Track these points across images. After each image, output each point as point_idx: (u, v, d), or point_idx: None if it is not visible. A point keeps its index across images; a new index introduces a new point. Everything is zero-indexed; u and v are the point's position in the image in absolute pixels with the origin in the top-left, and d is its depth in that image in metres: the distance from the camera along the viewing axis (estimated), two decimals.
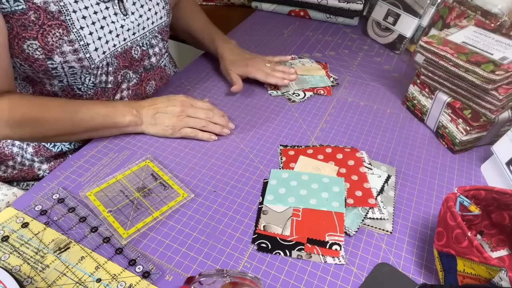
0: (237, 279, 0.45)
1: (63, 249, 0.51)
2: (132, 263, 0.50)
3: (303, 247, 0.52)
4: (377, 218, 0.57)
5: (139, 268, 0.50)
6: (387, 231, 0.55)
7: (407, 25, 0.95)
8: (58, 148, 0.72)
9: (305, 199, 0.58)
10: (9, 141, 0.72)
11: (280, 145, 0.69)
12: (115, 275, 0.49)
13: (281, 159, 0.66)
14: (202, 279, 0.45)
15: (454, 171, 0.67)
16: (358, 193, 0.60)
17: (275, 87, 0.83)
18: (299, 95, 0.82)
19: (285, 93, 0.82)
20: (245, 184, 0.62)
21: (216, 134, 0.70)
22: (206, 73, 0.89)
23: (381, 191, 0.61)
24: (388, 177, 0.63)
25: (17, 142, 0.72)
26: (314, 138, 0.72)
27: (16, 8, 0.55)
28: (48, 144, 0.71)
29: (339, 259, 0.52)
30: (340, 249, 0.52)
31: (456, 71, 0.65)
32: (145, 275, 0.49)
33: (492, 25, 0.72)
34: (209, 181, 0.63)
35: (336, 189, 0.60)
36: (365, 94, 0.84)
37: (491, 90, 0.61)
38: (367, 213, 0.57)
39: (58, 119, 0.62)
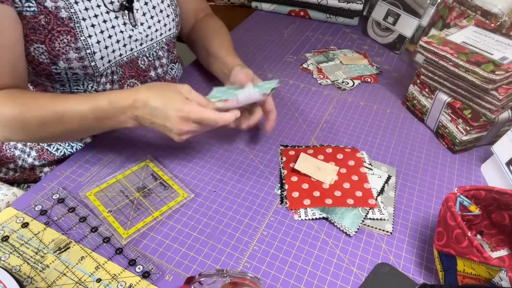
0: (237, 279, 0.45)
1: (63, 249, 0.51)
2: (132, 263, 0.50)
3: None
4: (377, 219, 0.57)
5: (139, 268, 0.50)
6: (387, 231, 0.55)
7: (407, 25, 0.95)
8: (61, 152, 0.71)
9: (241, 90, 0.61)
10: (11, 143, 0.72)
11: (281, 145, 0.69)
12: (115, 275, 0.49)
13: (281, 159, 0.66)
14: (202, 279, 0.45)
15: (454, 171, 0.67)
16: (358, 194, 0.60)
17: (325, 76, 0.87)
18: (348, 83, 0.86)
19: (335, 82, 0.86)
20: (245, 184, 0.62)
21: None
22: (206, 73, 0.89)
23: (381, 191, 0.61)
24: (389, 177, 0.63)
25: (19, 145, 0.72)
26: (314, 138, 0.72)
27: (28, 9, 0.55)
28: (51, 148, 0.71)
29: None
30: None
31: (456, 71, 0.65)
32: (145, 275, 0.49)
33: (492, 25, 0.72)
34: (209, 181, 0.63)
35: (268, 85, 0.62)
36: (365, 94, 0.84)
37: (491, 90, 0.61)
38: (367, 213, 0.57)
39: (44, 122, 0.56)
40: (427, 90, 0.74)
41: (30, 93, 0.60)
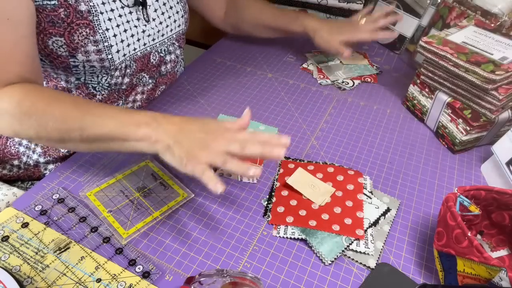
0: (237, 279, 0.45)
1: (63, 249, 0.51)
2: (132, 263, 0.50)
3: None
4: (360, 252, 0.52)
5: (139, 268, 0.50)
6: (368, 267, 0.51)
7: (407, 25, 0.95)
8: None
9: None
10: (16, 139, 0.72)
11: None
12: (115, 275, 0.49)
13: (278, 170, 0.64)
14: (202, 279, 0.45)
15: (454, 171, 0.67)
16: (348, 221, 0.55)
17: (325, 76, 0.87)
18: (348, 83, 0.86)
19: (335, 82, 0.86)
20: (245, 184, 0.62)
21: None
22: (206, 73, 0.89)
23: (375, 223, 0.56)
24: (388, 210, 0.58)
25: (24, 142, 0.72)
26: (314, 138, 0.72)
27: (48, 2, 0.55)
28: None
29: (253, 179, 0.62)
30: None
31: (456, 71, 0.65)
32: (145, 275, 0.49)
33: (492, 25, 0.72)
34: None
35: None
36: (365, 94, 0.84)
37: (491, 90, 0.61)
38: (350, 243, 0.53)
39: (66, 117, 0.52)
40: (427, 90, 0.74)
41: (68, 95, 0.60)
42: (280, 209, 0.58)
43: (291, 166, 0.64)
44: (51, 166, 0.73)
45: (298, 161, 0.66)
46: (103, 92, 0.68)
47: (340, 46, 0.80)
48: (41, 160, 0.71)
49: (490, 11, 0.75)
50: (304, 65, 0.92)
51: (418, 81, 0.75)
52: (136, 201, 0.58)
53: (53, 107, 0.53)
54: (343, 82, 0.86)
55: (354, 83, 0.87)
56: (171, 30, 0.74)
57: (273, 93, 0.83)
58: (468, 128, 0.66)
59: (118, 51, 0.64)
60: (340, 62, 0.92)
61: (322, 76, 0.88)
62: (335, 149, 0.70)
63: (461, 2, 0.80)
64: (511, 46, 0.66)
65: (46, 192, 0.59)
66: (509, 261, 0.52)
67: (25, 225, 0.54)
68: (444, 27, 0.83)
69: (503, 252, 0.53)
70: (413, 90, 0.77)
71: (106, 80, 0.67)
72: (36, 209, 0.56)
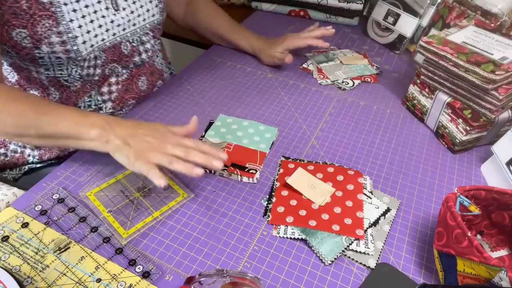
0: (237, 279, 0.45)
1: (63, 249, 0.51)
2: (132, 263, 0.50)
3: (226, 168, 0.63)
4: (360, 252, 0.52)
5: (139, 268, 0.50)
6: (368, 267, 0.51)
7: (407, 25, 0.95)
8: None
9: (239, 138, 0.69)
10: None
11: (282, 156, 0.67)
12: (115, 275, 0.49)
13: (278, 170, 0.64)
14: (202, 279, 0.45)
15: (454, 171, 0.67)
16: (348, 221, 0.55)
17: (325, 76, 0.87)
18: (348, 83, 0.86)
19: (335, 82, 0.86)
20: (244, 184, 0.62)
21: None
22: (206, 73, 0.89)
23: (375, 223, 0.56)
24: (388, 210, 0.58)
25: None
26: (314, 138, 0.72)
27: None
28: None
29: (253, 179, 0.62)
30: (256, 173, 0.62)
31: (456, 71, 0.65)
32: (145, 275, 0.49)
33: (492, 25, 0.72)
34: (209, 181, 0.63)
35: (268, 135, 0.70)
36: (365, 94, 0.84)
37: (491, 90, 0.61)
38: (350, 243, 0.53)
39: (22, 115, 0.55)
40: (427, 90, 0.74)
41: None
42: (280, 209, 0.58)
43: (291, 166, 0.64)
44: (35, 153, 0.73)
45: (298, 161, 0.66)
46: (76, 84, 0.68)
47: (281, 54, 0.87)
48: (27, 145, 0.72)
49: (490, 11, 0.75)
50: (304, 65, 0.92)
51: (418, 81, 0.75)
52: (136, 201, 0.58)
53: (11, 105, 0.55)
54: (343, 82, 0.86)
55: (354, 83, 0.86)
56: (144, 20, 0.72)
57: (273, 93, 0.83)
58: (468, 128, 0.66)
59: (84, 42, 0.63)
60: (340, 62, 0.92)
61: (322, 76, 0.88)
62: (335, 149, 0.70)
63: (461, 2, 0.80)
64: (511, 46, 0.66)
65: (46, 192, 0.59)
66: (509, 261, 0.52)
67: (25, 225, 0.54)
68: (444, 27, 0.83)
69: (503, 252, 0.53)
70: (413, 90, 0.77)
71: (76, 71, 0.66)
72: (36, 209, 0.56)
